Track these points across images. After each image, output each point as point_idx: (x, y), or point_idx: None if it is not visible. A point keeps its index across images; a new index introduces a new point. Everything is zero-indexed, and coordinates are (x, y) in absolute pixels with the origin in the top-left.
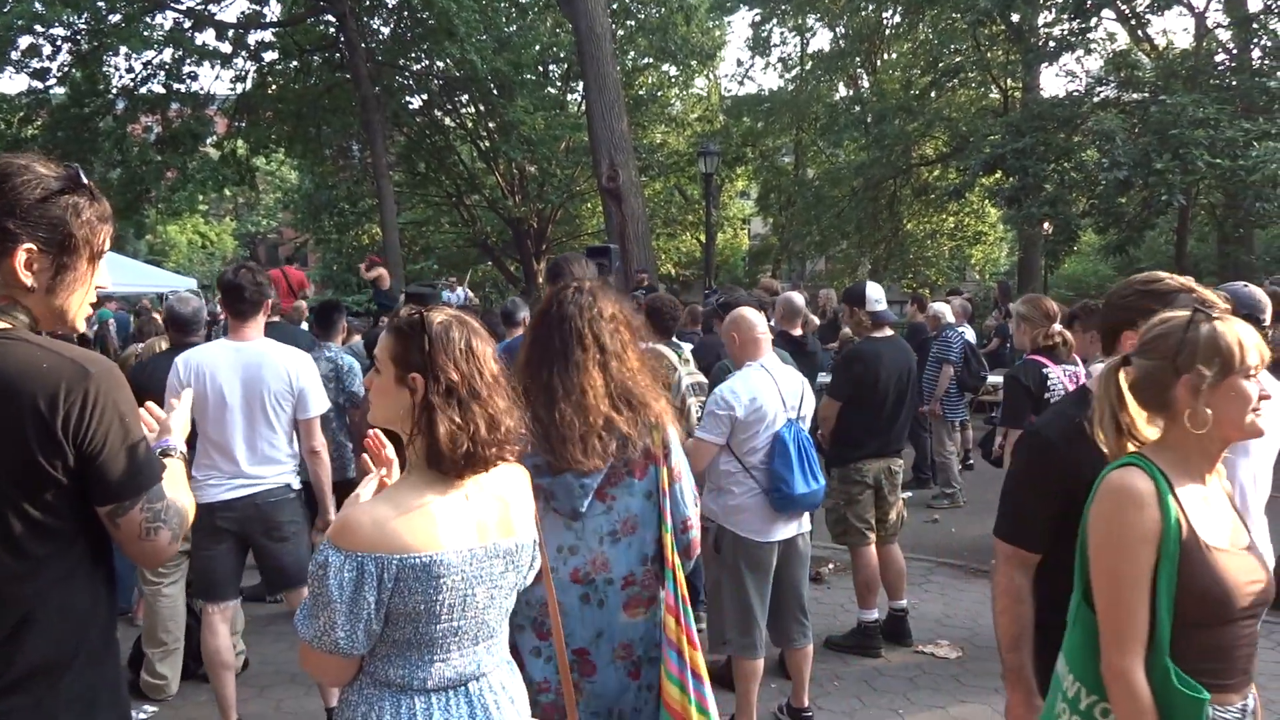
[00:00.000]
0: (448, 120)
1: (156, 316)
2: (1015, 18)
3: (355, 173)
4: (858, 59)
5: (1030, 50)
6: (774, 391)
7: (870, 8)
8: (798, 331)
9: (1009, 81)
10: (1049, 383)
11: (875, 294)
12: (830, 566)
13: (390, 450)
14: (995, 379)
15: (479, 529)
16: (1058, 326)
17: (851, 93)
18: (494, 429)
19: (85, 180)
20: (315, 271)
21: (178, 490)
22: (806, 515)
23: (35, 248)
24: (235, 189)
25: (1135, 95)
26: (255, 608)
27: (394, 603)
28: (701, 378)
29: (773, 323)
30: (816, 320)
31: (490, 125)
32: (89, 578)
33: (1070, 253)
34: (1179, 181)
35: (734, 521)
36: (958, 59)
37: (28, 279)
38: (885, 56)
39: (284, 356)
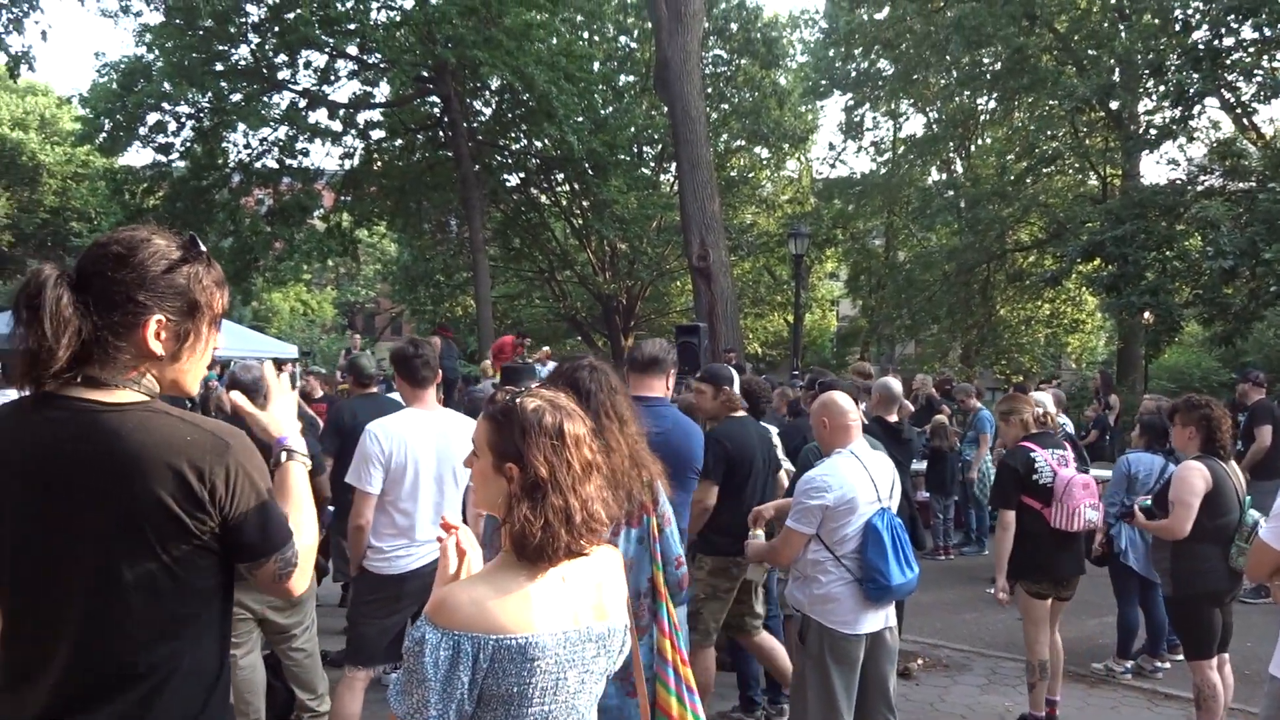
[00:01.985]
0: (543, 198)
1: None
2: (1115, 105)
3: (452, 246)
4: (951, 144)
5: (1130, 137)
6: (865, 479)
7: (965, 94)
8: (894, 418)
9: (1108, 168)
10: (1036, 465)
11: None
12: (919, 662)
13: (468, 534)
14: (1098, 473)
15: (573, 612)
16: (1039, 410)
17: (944, 177)
18: (572, 521)
19: (203, 248)
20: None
21: (302, 506)
22: (893, 609)
23: (164, 318)
24: (338, 260)
25: (1241, 184)
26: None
27: (487, 684)
28: (789, 465)
29: (864, 407)
30: (911, 406)
31: (584, 203)
32: (217, 640)
33: (1172, 343)
34: None
35: (821, 612)
36: (1055, 145)
37: (158, 348)
38: (980, 141)
39: (463, 424)
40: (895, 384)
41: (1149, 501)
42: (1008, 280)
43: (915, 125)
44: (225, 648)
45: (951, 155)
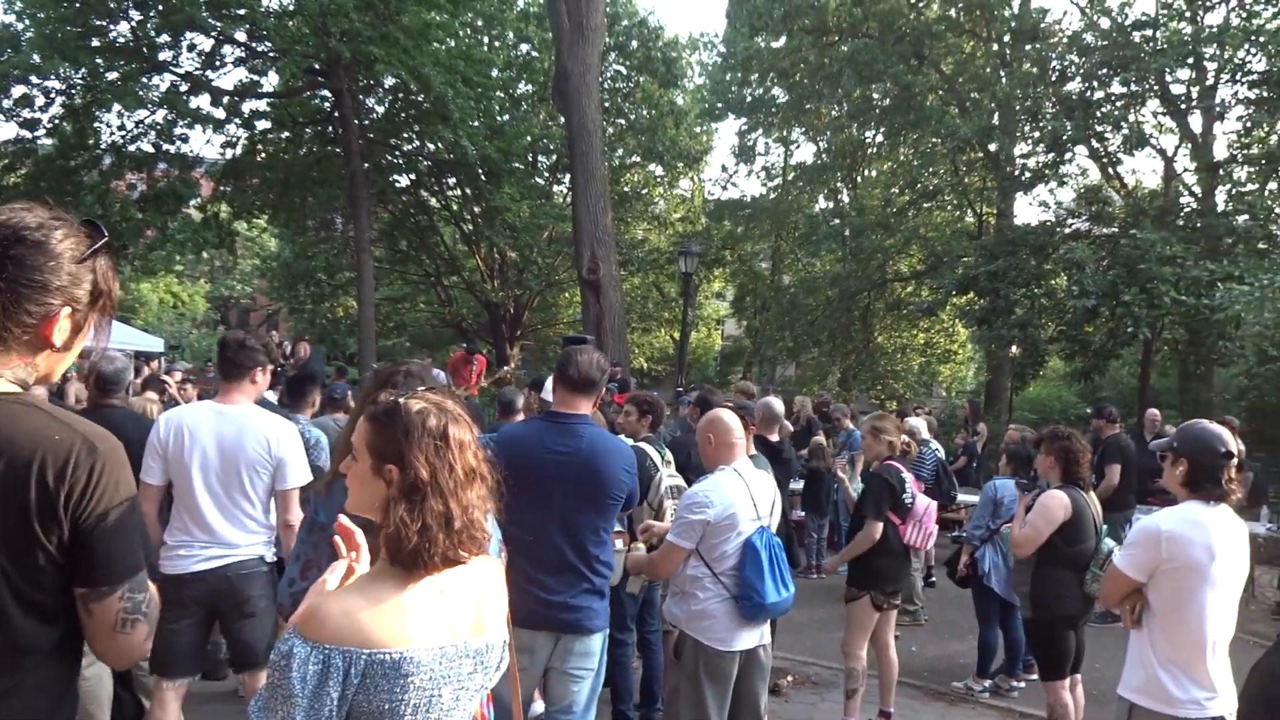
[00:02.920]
0: (433, 201)
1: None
2: (993, 147)
3: (336, 245)
4: (839, 173)
5: (1006, 178)
6: (746, 497)
7: (854, 126)
8: (775, 437)
9: (984, 206)
10: (905, 484)
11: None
12: (789, 679)
13: (360, 536)
14: (965, 497)
15: (451, 626)
16: (906, 438)
17: (831, 205)
18: (451, 526)
19: (106, 234)
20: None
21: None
22: (767, 626)
23: (72, 309)
24: (213, 252)
25: (1105, 229)
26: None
27: (358, 700)
28: (681, 481)
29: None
30: (790, 427)
31: (475, 209)
32: (68, 657)
33: (1036, 376)
34: (1145, 315)
35: (697, 628)
36: (936, 181)
37: (59, 340)
38: (866, 173)
39: (265, 423)
40: (777, 404)
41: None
42: (886, 308)
43: (806, 153)
44: (76, 664)
45: (839, 185)
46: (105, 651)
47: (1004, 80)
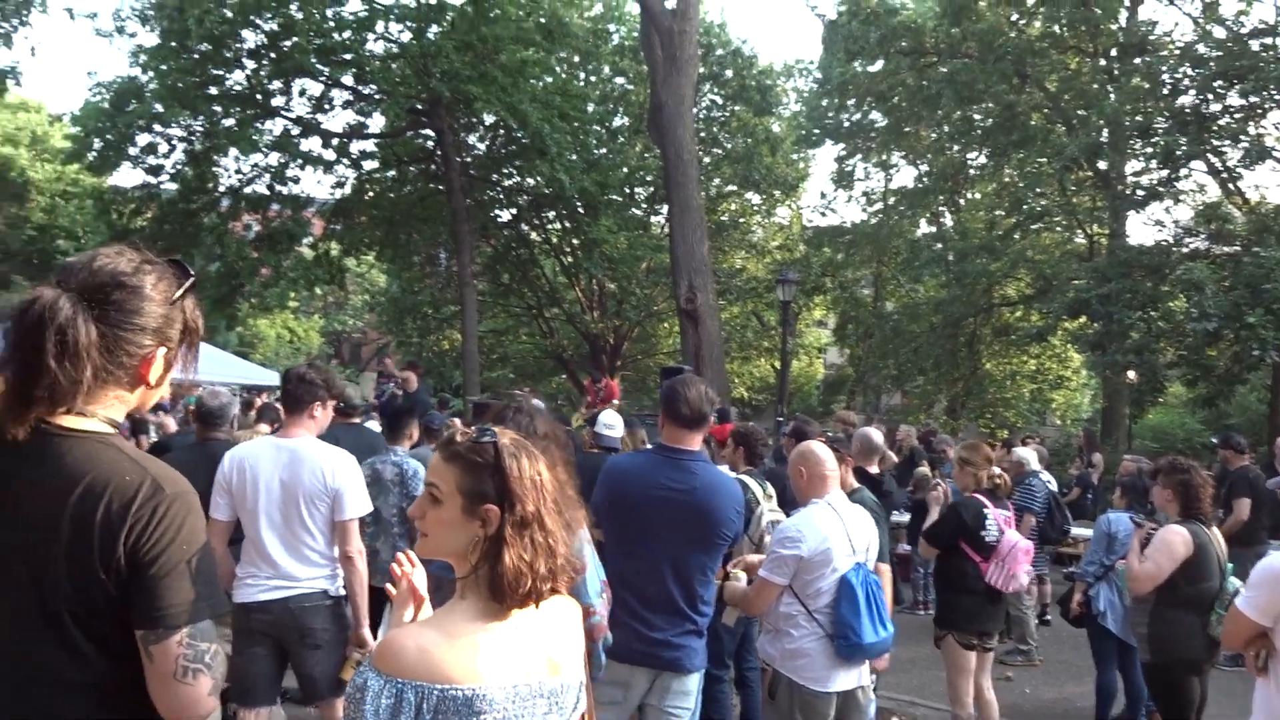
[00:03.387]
0: (533, 234)
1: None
2: (1103, 165)
3: (441, 280)
4: (941, 197)
5: (1117, 197)
6: (841, 532)
7: (955, 148)
8: (875, 469)
9: (1095, 227)
10: (985, 520)
11: (607, 419)
12: None
13: (421, 573)
14: (1080, 531)
15: (525, 665)
16: (997, 470)
17: (934, 229)
18: (555, 557)
19: (193, 274)
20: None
21: None
22: (867, 666)
23: (167, 349)
24: (325, 288)
25: (1226, 248)
26: (297, 710)
27: None
28: (781, 515)
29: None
30: (894, 457)
31: (574, 242)
32: (138, 701)
33: (1156, 403)
34: (1272, 337)
35: (792, 667)
36: (1043, 202)
37: (154, 378)
38: (969, 196)
39: (322, 454)
40: (876, 434)
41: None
42: (994, 334)
43: (906, 177)
44: (144, 703)
45: (941, 208)
46: (166, 703)
47: (1112, 96)
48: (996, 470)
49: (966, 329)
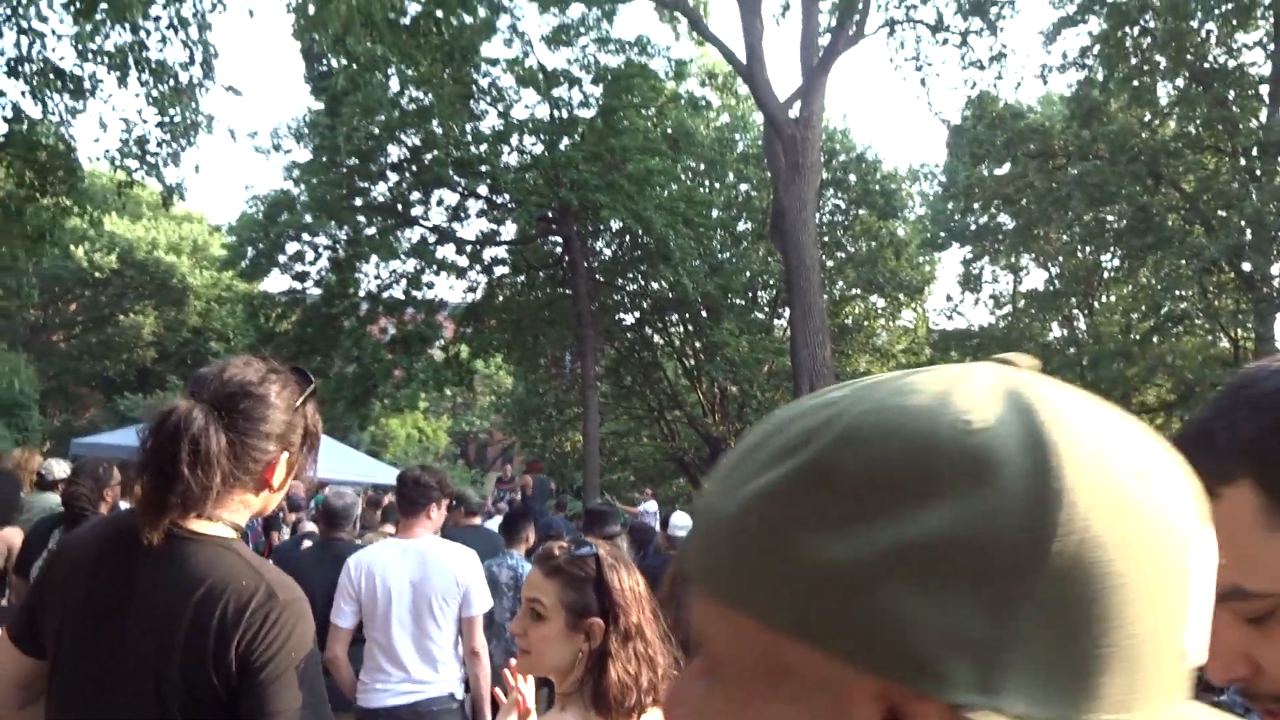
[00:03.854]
0: (657, 337)
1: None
2: (1246, 266)
3: (565, 382)
4: (1073, 299)
5: (1262, 300)
6: None
7: (1087, 250)
8: None
9: (1239, 331)
10: None
11: (679, 521)
12: None
13: (529, 687)
14: None
15: None
16: None
17: (1066, 333)
18: (657, 669)
19: (314, 381)
20: (518, 472)
21: None
22: None
23: (290, 454)
24: (455, 389)
25: None
26: None
27: None
28: None
29: None
30: None
31: (697, 345)
32: None
33: None
34: None
35: None
36: (1183, 305)
37: (278, 483)
38: (1103, 298)
39: (450, 552)
40: None
41: None
42: None
43: (1036, 279)
44: None
45: (1074, 311)
46: None
47: (1254, 196)
48: None
49: None
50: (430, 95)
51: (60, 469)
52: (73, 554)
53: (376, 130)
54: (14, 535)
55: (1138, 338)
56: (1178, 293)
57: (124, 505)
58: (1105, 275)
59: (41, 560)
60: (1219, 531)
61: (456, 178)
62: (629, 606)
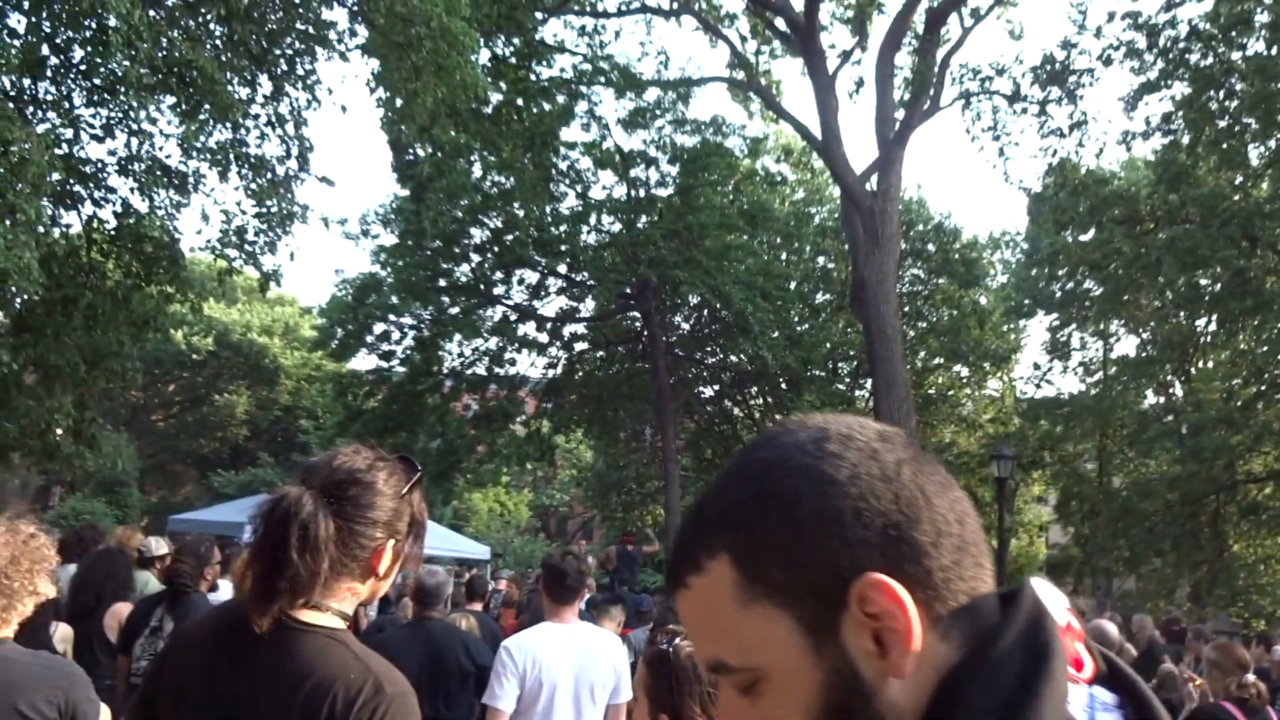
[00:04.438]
0: (736, 410)
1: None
2: None
3: (645, 455)
4: (1169, 366)
5: None
6: None
7: (1181, 315)
8: None
9: None
10: None
11: None
12: None
13: None
14: None
15: None
16: (1251, 678)
17: (1162, 400)
18: None
19: (419, 469)
20: (597, 547)
21: None
22: None
23: (395, 541)
24: (536, 464)
25: None
26: None
27: None
28: None
29: None
30: (1133, 651)
31: (777, 417)
32: None
33: None
34: None
35: None
36: None
37: (384, 569)
38: (1201, 364)
39: (605, 640)
40: (1110, 627)
41: None
42: (1241, 513)
43: (1127, 346)
44: None
45: (1169, 378)
46: None
47: None
48: (1250, 679)
49: (1208, 507)
50: (511, 179)
51: (159, 546)
52: (187, 644)
53: (460, 214)
54: (125, 610)
55: (1240, 404)
56: None
57: (223, 583)
58: (1201, 340)
59: (143, 639)
60: (701, 605)
61: (537, 257)
62: (693, 708)
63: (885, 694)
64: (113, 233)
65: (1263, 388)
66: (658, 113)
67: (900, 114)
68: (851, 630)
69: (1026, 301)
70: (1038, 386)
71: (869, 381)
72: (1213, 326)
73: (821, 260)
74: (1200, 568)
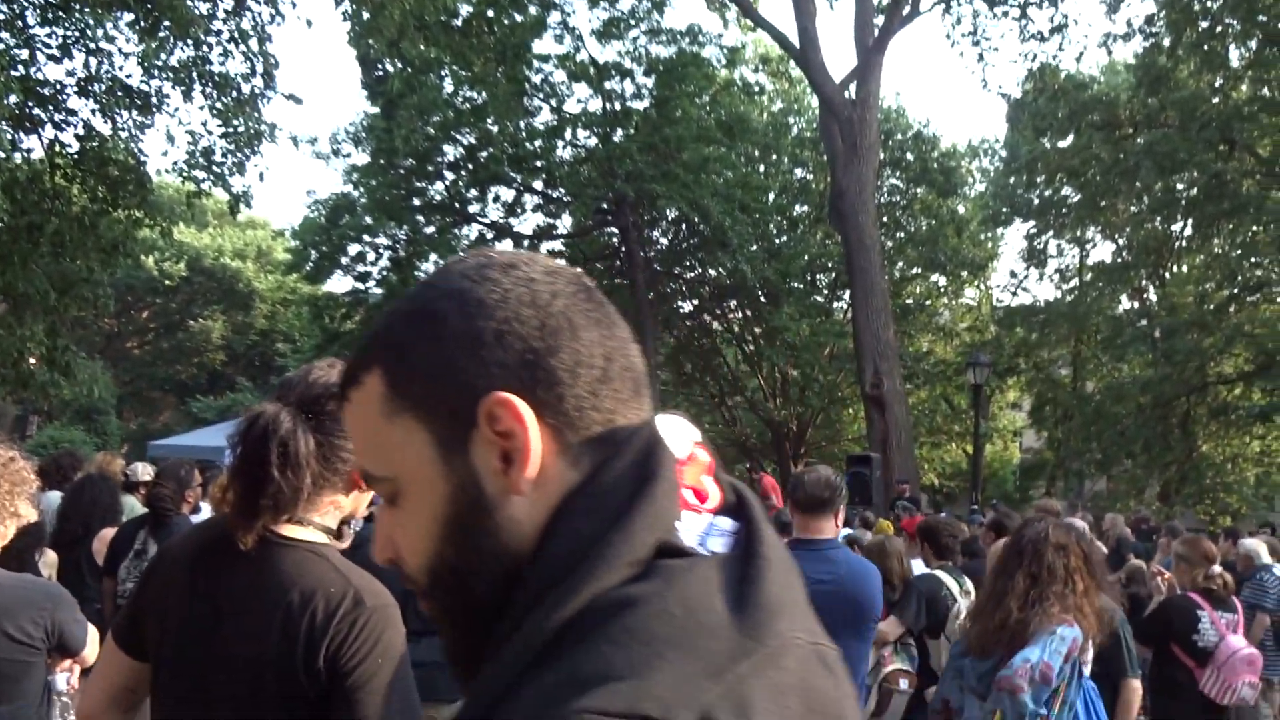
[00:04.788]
0: (716, 324)
1: None
2: None
3: None
4: (1143, 271)
5: None
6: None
7: (1157, 220)
8: None
9: None
10: (1199, 625)
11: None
12: None
13: None
14: None
15: None
16: (1217, 569)
17: (1136, 305)
18: None
19: None
20: None
21: None
22: None
23: None
24: None
25: None
26: None
27: None
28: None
29: None
30: (1103, 548)
31: (756, 330)
32: None
33: None
34: None
35: None
36: (1260, 273)
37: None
38: (1175, 269)
39: None
40: (1081, 525)
41: None
42: (1210, 414)
43: (1103, 252)
44: None
45: (1144, 283)
46: None
47: None
48: (1216, 570)
49: (1179, 409)
50: (484, 94)
51: (145, 472)
52: (171, 562)
53: (432, 131)
54: (111, 535)
55: (1213, 307)
56: (1254, 260)
57: (205, 505)
58: (1177, 245)
59: (127, 561)
60: (356, 418)
61: (512, 174)
62: None
63: (506, 510)
64: (76, 156)
65: (1235, 290)
66: (632, 22)
67: (879, 20)
68: (481, 447)
69: (1004, 210)
70: (1014, 295)
71: (847, 292)
72: (1188, 231)
73: (800, 172)
74: (1170, 468)
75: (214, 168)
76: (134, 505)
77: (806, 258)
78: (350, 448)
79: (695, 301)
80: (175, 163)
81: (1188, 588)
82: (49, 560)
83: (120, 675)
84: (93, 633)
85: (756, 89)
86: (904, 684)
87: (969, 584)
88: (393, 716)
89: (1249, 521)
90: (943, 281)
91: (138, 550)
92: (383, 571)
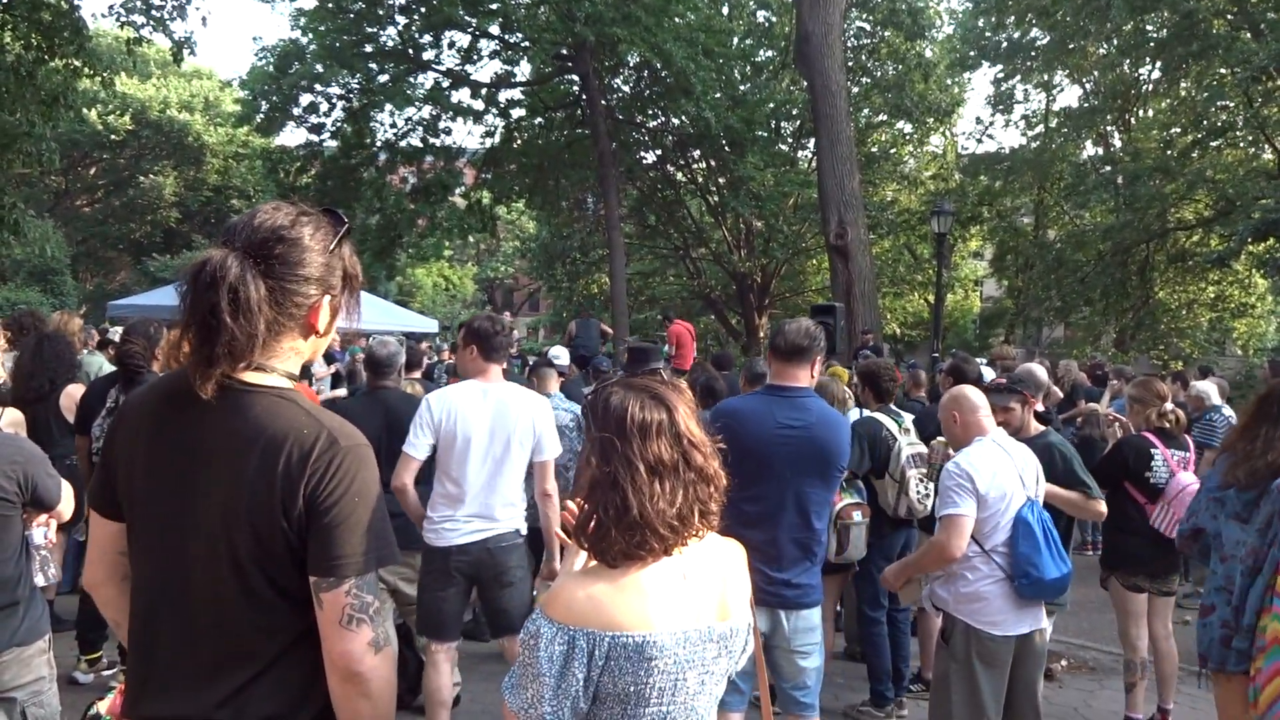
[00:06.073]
0: (679, 175)
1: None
2: None
3: (589, 224)
4: (1109, 116)
5: None
6: (1010, 468)
7: (1125, 63)
8: (1040, 406)
9: None
10: (1152, 462)
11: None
12: (1063, 664)
13: None
14: None
15: (695, 611)
16: (1170, 405)
17: (1101, 151)
18: (624, 521)
19: (345, 220)
20: (545, 318)
21: None
22: (1042, 610)
23: (332, 296)
24: (478, 236)
25: None
26: (470, 646)
27: (603, 681)
28: (923, 448)
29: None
30: (1059, 394)
31: (720, 180)
32: (313, 649)
33: None
34: None
35: (969, 611)
36: (1225, 117)
37: (324, 326)
38: (1141, 114)
39: (528, 399)
40: (1040, 370)
41: None
42: (1168, 261)
43: (1070, 97)
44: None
45: (1109, 129)
46: (330, 649)
47: None
48: (1169, 407)
49: (1138, 256)
50: None
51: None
52: (134, 415)
53: None
54: (79, 392)
55: (1177, 153)
56: (1221, 103)
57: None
58: (1144, 89)
59: (100, 419)
60: None
61: (466, 17)
62: (605, 450)
63: None
64: (5, 2)
65: (1200, 135)
66: None
67: None
68: None
69: (972, 53)
70: (979, 142)
71: (812, 141)
72: (1156, 74)
73: (763, 15)
74: (1126, 314)
75: (153, 12)
76: (103, 364)
77: (771, 105)
78: (304, 291)
79: (658, 152)
80: (111, 6)
81: (1141, 427)
82: (13, 419)
83: (109, 540)
84: (66, 487)
85: None
86: (858, 515)
87: (908, 421)
88: (367, 555)
89: (1191, 368)
90: (908, 129)
91: (110, 408)
92: (352, 414)
